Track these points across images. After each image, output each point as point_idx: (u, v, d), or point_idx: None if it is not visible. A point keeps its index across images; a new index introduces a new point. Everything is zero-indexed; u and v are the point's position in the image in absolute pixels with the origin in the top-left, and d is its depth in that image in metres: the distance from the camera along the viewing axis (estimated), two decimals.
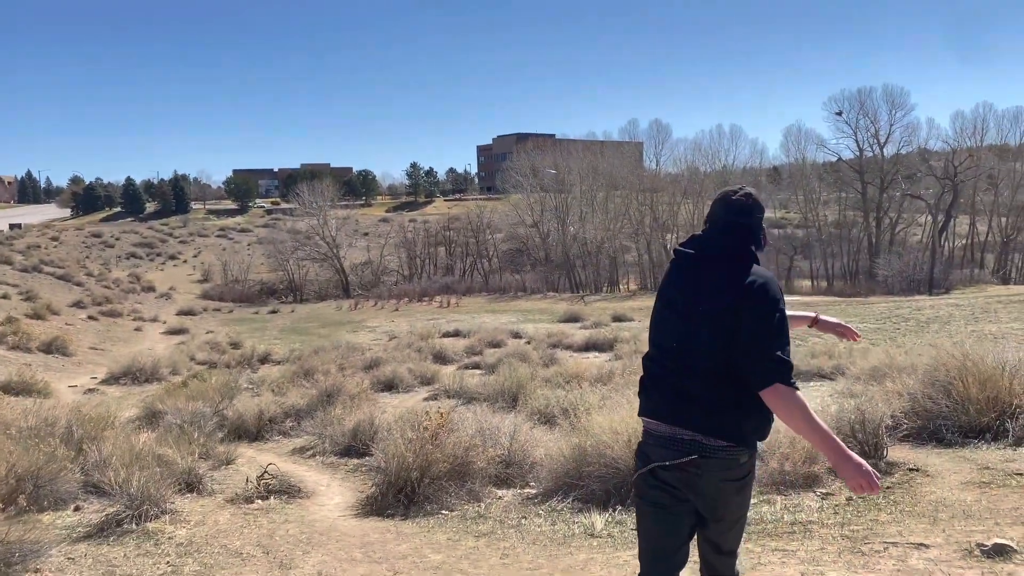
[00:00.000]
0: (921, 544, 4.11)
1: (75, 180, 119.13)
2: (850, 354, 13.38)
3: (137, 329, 36.57)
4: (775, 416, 2.60)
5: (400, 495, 5.93)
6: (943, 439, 6.15)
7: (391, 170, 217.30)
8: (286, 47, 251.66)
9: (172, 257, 74.58)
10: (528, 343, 21.59)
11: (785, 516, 4.83)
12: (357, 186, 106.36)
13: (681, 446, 2.57)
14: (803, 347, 14.98)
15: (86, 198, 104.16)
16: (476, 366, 17.52)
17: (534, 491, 6.01)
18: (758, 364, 2.51)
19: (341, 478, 7.48)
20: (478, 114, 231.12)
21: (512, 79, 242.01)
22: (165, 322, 39.32)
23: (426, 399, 12.90)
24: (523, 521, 5.42)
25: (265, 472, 6.56)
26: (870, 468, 2.47)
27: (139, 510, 5.43)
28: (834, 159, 63.74)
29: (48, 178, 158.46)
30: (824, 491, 5.21)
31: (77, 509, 5.99)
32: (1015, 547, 3.90)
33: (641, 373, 2.82)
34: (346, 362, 17.01)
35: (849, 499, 4.91)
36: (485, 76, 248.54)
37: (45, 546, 4.78)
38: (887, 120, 60.20)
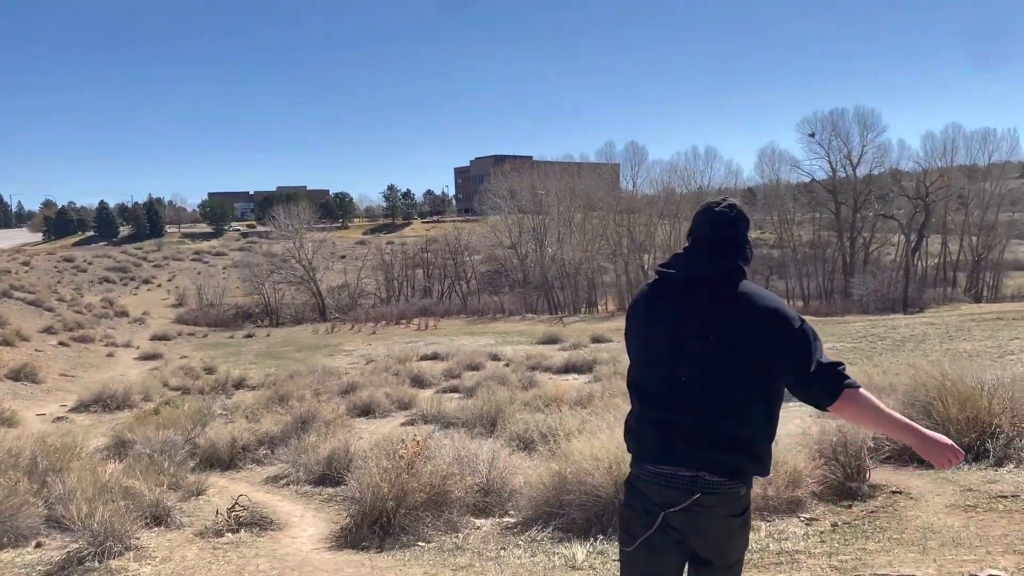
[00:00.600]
0: None
1: (47, 204, 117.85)
2: None
3: (109, 355, 35.95)
4: (846, 420, 2.60)
5: (375, 526, 5.76)
6: (924, 460, 6.09)
7: (368, 192, 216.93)
8: (262, 70, 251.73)
9: (146, 281, 73.68)
10: (507, 365, 21.45)
11: (771, 545, 4.72)
12: (334, 208, 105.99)
13: (683, 483, 2.43)
14: None
15: (58, 222, 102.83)
16: (454, 389, 17.35)
17: (513, 520, 5.87)
18: (818, 382, 2.39)
19: (315, 508, 7.29)
20: (455, 136, 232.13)
21: (489, 101, 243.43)
22: (138, 347, 38.71)
23: (403, 424, 12.71)
24: (502, 552, 5.27)
25: (236, 503, 6.36)
26: (950, 441, 2.44)
27: (102, 547, 5.22)
28: (808, 180, 64.40)
29: (19, 202, 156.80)
30: (808, 516, 5.13)
31: (39, 546, 5.76)
32: None
33: (628, 409, 2.63)
34: (322, 387, 16.78)
35: (834, 525, 4.82)
36: (462, 98, 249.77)
37: None
38: (859, 141, 61.02)
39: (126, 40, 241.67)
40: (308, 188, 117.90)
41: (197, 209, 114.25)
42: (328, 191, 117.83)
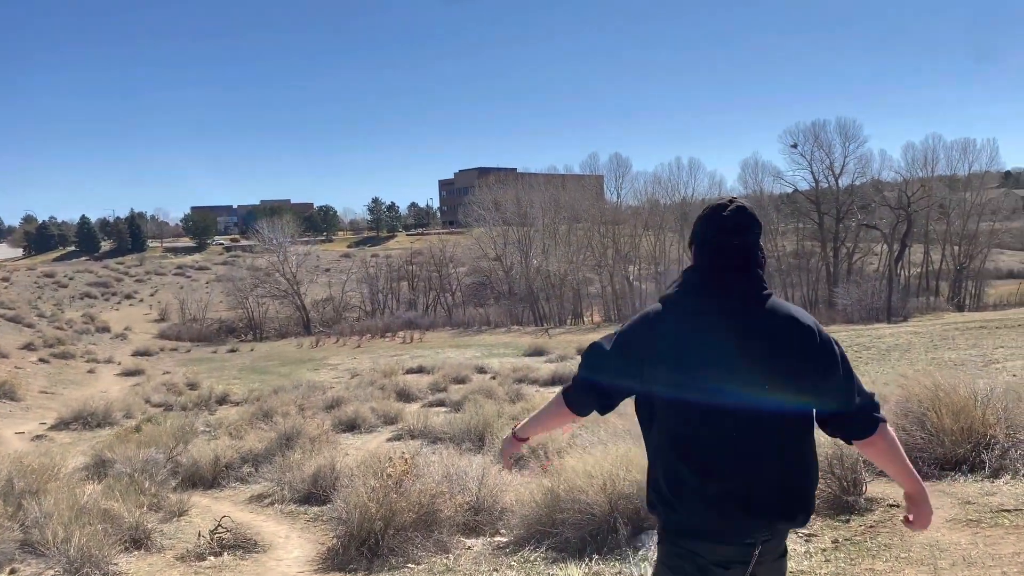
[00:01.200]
0: None
1: (27, 219, 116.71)
2: None
3: (90, 371, 35.52)
4: (868, 455, 2.36)
5: (363, 548, 5.60)
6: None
7: (352, 205, 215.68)
8: (244, 83, 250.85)
9: (128, 296, 73.04)
10: (493, 378, 21.29)
11: None
12: (318, 222, 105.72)
13: (748, 534, 2.12)
14: None
15: (39, 237, 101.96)
16: (441, 403, 17.18)
17: (505, 539, 5.72)
18: (858, 411, 2.21)
19: (301, 528, 7.11)
20: (439, 149, 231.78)
21: (473, 114, 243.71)
22: (120, 363, 38.27)
23: (390, 440, 12.53)
24: (494, 574, 5.12)
25: (219, 525, 6.19)
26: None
27: (79, 573, 5.05)
28: (791, 190, 64.76)
29: None
30: (806, 532, 5.01)
31: (12, 572, 5.56)
32: None
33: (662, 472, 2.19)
34: (307, 402, 16.56)
35: (835, 541, 4.70)
36: (446, 111, 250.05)
37: None
38: (841, 152, 61.48)
39: (107, 52, 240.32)
40: (292, 201, 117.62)
41: (180, 223, 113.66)
42: (312, 204, 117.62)
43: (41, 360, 35.54)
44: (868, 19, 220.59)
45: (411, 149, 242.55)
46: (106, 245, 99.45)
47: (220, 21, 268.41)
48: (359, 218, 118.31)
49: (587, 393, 2.40)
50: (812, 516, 2.32)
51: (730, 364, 2.09)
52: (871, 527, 4.91)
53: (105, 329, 53.26)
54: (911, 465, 2.33)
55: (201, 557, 5.83)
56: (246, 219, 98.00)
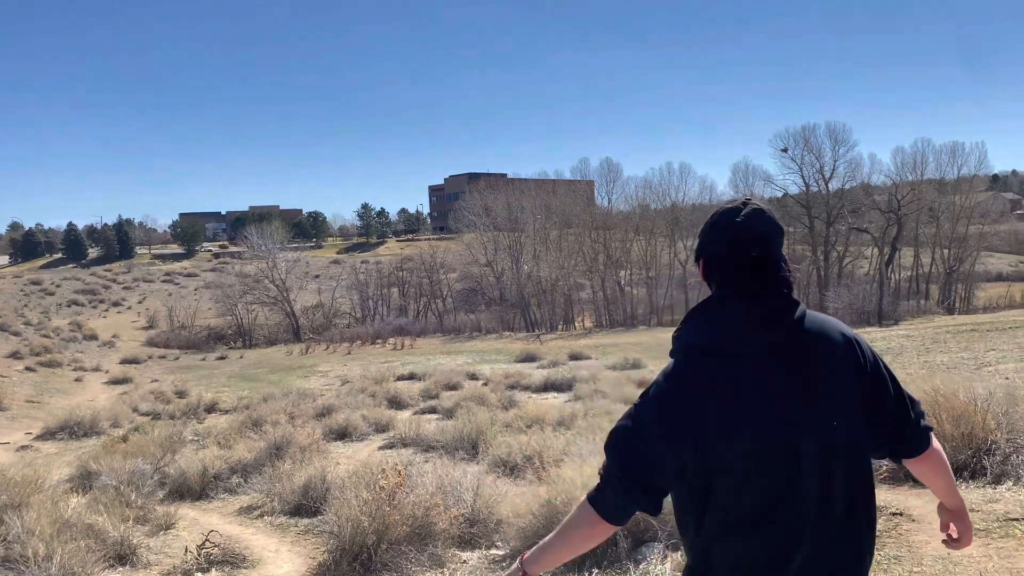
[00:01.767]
0: None
1: (14, 226, 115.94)
2: None
3: (78, 379, 35.17)
4: (917, 471, 2.03)
5: (355, 563, 5.44)
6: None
7: (342, 211, 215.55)
8: (232, 89, 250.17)
9: (116, 304, 72.56)
10: (485, 385, 21.13)
11: None
12: (307, 228, 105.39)
13: None
14: None
15: (25, 244, 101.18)
16: (432, 410, 17.00)
17: (501, 552, 5.57)
18: (913, 424, 1.94)
19: (291, 541, 6.94)
20: (429, 154, 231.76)
21: (463, 119, 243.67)
22: (108, 371, 37.93)
23: (381, 448, 12.37)
24: None
25: (206, 540, 6.02)
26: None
27: None
28: (781, 195, 64.95)
29: None
30: None
31: None
32: None
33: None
34: (297, 410, 16.36)
35: None
36: (435, 116, 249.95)
37: None
38: (831, 156, 61.76)
39: (93, 58, 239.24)
40: (281, 207, 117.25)
41: (168, 230, 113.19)
42: (301, 210, 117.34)
43: (27, 368, 35.18)
44: (858, 24, 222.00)
45: (401, 155, 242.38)
46: (94, 252, 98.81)
47: (209, 27, 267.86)
48: (349, 224, 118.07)
49: (626, 491, 1.84)
50: None
51: (793, 409, 1.75)
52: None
53: (93, 337, 52.84)
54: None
55: (188, 574, 5.67)
56: (235, 225, 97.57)
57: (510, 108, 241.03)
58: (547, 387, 20.17)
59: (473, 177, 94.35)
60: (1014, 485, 5.61)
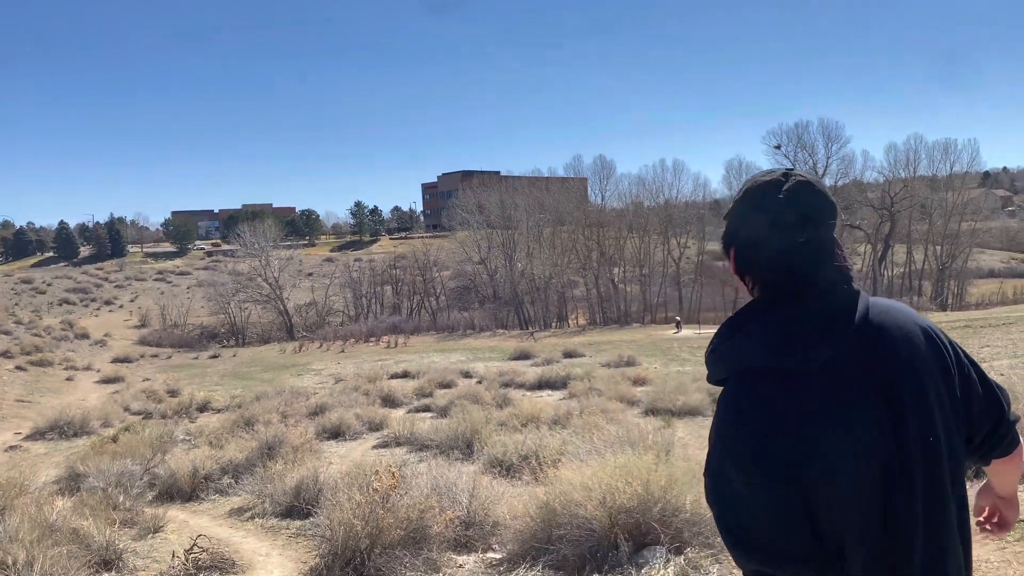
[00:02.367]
0: None
1: (4, 224, 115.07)
2: None
3: (69, 379, 34.91)
4: (1000, 472, 1.72)
5: (348, 567, 5.27)
6: None
7: (335, 209, 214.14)
8: (225, 86, 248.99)
9: (108, 302, 72.22)
10: (479, 383, 20.98)
11: None
12: (300, 226, 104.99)
13: None
14: None
15: (16, 243, 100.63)
16: (426, 409, 16.84)
17: (498, 556, 5.41)
18: (1008, 424, 1.64)
19: (282, 545, 6.77)
20: (422, 152, 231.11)
21: (456, 117, 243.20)
22: (99, 370, 37.70)
23: (375, 447, 12.21)
24: None
25: (195, 544, 5.85)
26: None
27: None
28: None
29: None
30: None
31: None
32: None
33: None
34: (289, 409, 16.19)
35: None
36: (428, 114, 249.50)
37: None
38: (824, 153, 61.87)
39: (85, 55, 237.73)
40: (274, 205, 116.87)
41: (160, 228, 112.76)
42: (294, 208, 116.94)
43: (18, 368, 34.93)
44: (850, 22, 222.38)
45: (394, 153, 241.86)
46: (85, 251, 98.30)
47: (202, 24, 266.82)
48: (342, 222, 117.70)
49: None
50: None
51: (881, 426, 1.46)
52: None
53: (84, 336, 52.54)
54: None
55: None
56: (228, 223, 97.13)
57: (503, 105, 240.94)
58: (541, 385, 20.04)
59: (466, 175, 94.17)
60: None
